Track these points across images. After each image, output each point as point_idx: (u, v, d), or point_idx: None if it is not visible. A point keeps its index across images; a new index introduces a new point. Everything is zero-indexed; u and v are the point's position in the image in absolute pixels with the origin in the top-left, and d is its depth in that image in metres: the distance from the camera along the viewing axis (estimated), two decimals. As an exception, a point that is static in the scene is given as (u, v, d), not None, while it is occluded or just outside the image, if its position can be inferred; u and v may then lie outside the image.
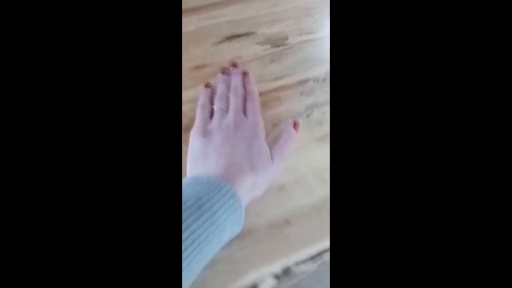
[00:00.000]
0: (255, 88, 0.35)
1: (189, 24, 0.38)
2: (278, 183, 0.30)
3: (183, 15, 0.38)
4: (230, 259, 0.27)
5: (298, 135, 0.33)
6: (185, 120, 0.33)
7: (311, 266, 0.29)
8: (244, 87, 0.34)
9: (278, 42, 0.38)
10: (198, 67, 0.35)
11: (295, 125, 0.33)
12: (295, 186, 0.30)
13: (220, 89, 0.34)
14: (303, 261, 0.29)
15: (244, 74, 0.36)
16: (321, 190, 0.31)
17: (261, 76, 0.36)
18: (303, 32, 0.39)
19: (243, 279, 0.27)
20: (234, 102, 0.33)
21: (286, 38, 0.39)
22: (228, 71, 0.36)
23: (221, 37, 0.37)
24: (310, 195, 0.30)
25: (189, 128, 0.31)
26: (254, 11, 0.40)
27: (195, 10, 0.39)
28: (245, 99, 0.33)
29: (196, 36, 0.37)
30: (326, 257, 0.30)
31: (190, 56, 0.36)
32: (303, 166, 0.31)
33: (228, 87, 0.34)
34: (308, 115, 0.34)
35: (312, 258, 0.29)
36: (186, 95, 0.33)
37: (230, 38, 0.38)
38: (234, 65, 0.36)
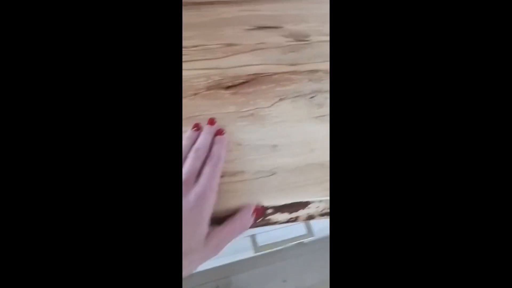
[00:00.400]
0: (223, 152, 0.32)
1: (228, 12, 0.46)
2: (273, 142, 0.36)
3: (226, 5, 0.47)
4: (220, 190, 0.33)
5: (298, 119, 0.38)
6: (205, 82, 0.40)
7: (284, 216, 0.35)
8: (211, 148, 0.31)
9: (300, 37, 0.45)
10: (229, 45, 0.43)
11: (259, 211, 0.30)
12: (285, 148, 0.36)
13: (182, 146, 0.31)
14: (278, 208, 0.34)
15: (218, 132, 0.33)
16: (307, 156, 0.36)
17: (279, 60, 0.42)
18: (323, 34, 0.46)
19: (226, 207, 0.33)
20: (189, 163, 0.29)
21: (308, 36, 0.46)
22: (199, 127, 0.33)
23: (253, 26, 0.45)
24: (296, 158, 0.36)
25: (203, 89, 0.39)
26: (285, 11, 0.47)
27: (236, 2, 0.47)
28: (205, 162, 0.30)
29: (232, 21, 0.45)
30: (301, 212, 0.35)
31: (224, 35, 0.43)
32: (297, 134, 0.37)
33: (192, 145, 0.31)
34: (311, 97, 0.40)
35: (287, 207, 0.35)
36: (217, 63, 0.41)
37: (260, 28, 0.45)
38: (211, 122, 0.33)
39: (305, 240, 0.48)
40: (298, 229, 0.48)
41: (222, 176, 0.34)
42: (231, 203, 0.33)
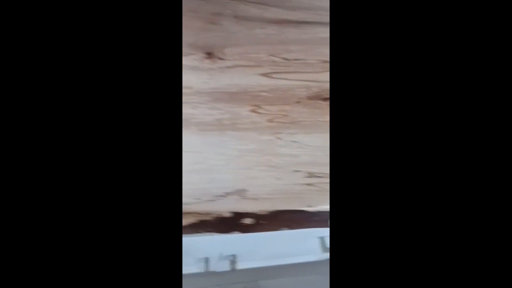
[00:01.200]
0: None
1: (325, 32, 0.51)
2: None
3: (322, 25, 0.52)
4: (316, 187, 0.37)
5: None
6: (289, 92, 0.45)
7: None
8: None
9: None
10: (325, 61, 0.48)
11: None
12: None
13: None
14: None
15: None
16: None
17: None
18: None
19: (318, 201, 0.37)
20: None
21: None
22: None
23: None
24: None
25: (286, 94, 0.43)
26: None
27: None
28: None
29: (328, 41, 0.50)
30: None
31: (321, 52, 0.48)
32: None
33: None
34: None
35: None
36: (315, 76, 0.46)
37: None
38: None
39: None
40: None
41: (311, 177, 0.38)
42: (323, 198, 0.37)
